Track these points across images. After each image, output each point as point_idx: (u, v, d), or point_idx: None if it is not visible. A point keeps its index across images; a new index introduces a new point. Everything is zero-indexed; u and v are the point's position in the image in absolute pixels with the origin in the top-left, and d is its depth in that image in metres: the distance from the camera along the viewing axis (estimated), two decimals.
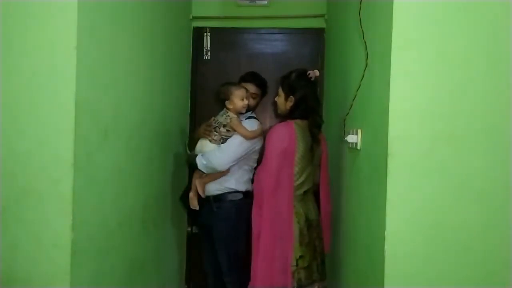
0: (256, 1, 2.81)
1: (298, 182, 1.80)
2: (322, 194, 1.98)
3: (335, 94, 2.20)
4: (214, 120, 2.11)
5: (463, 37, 1.12)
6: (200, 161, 2.07)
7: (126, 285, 1.64)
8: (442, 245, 1.14)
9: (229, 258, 2.18)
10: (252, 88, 2.25)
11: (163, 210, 2.22)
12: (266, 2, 2.81)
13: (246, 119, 2.19)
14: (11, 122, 1.20)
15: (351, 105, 1.61)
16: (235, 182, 2.15)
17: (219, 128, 2.07)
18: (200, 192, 2.14)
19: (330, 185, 2.03)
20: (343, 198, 1.84)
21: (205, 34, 2.85)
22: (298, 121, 1.83)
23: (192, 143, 2.23)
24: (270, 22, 2.84)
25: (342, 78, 1.96)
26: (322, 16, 2.77)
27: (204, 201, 2.18)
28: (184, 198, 2.27)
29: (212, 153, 2.05)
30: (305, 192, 1.84)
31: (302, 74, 1.87)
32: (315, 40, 2.82)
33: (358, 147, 1.49)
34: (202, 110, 2.82)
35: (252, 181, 2.06)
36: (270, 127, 1.88)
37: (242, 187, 2.17)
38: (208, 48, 2.86)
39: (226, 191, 2.16)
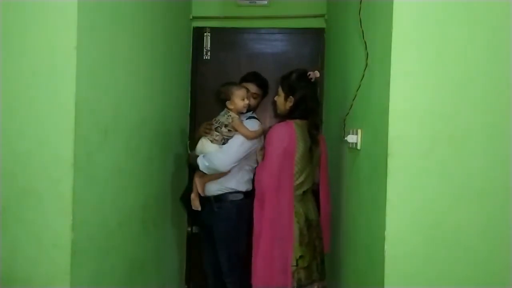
0: (256, 1, 2.81)
1: (297, 182, 1.80)
2: (322, 194, 1.98)
3: (335, 94, 2.20)
4: (215, 120, 2.11)
5: (463, 37, 1.12)
6: (202, 163, 2.06)
7: (126, 285, 1.64)
8: (442, 245, 1.14)
9: (229, 258, 2.18)
10: (253, 88, 2.25)
11: (163, 210, 2.22)
12: (266, 2, 2.81)
13: (246, 119, 2.19)
14: (11, 122, 1.20)
15: (351, 105, 1.61)
16: (236, 182, 2.15)
17: (221, 128, 2.06)
18: (200, 191, 2.14)
19: (329, 185, 2.03)
20: (343, 198, 1.84)
21: (205, 34, 2.85)
22: (298, 121, 1.83)
23: (193, 143, 2.23)
24: (270, 22, 2.84)
25: (342, 78, 1.96)
26: (322, 16, 2.77)
27: (205, 201, 2.18)
28: (185, 199, 2.27)
29: (214, 155, 2.04)
30: (304, 192, 1.84)
31: (303, 75, 1.87)
32: (315, 40, 2.82)
33: (358, 147, 1.49)
34: (202, 110, 2.82)
35: (253, 181, 2.06)
36: (270, 127, 1.88)
37: (243, 187, 2.17)
38: (208, 48, 2.86)
39: (227, 191, 2.16)
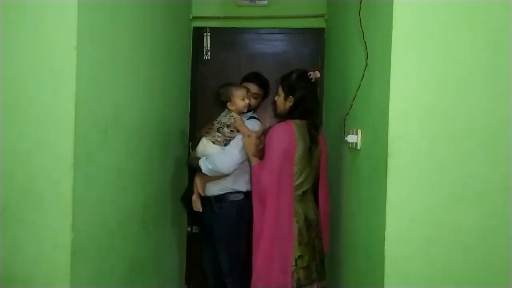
0: (256, 1, 2.81)
1: (297, 182, 1.80)
2: (321, 194, 1.98)
3: (335, 94, 2.20)
4: (216, 121, 2.10)
5: (463, 37, 1.12)
6: (205, 165, 2.04)
7: (126, 285, 1.64)
8: (442, 245, 1.14)
9: (229, 259, 2.18)
10: (254, 88, 2.25)
11: (163, 210, 2.22)
12: (266, 2, 2.81)
13: (247, 119, 2.19)
14: (11, 122, 1.20)
15: (351, 105, 1.61)
16: (237, 183, 2.15)
17: (223, 129, 2.06)
18: (200, 191, 2.14)
19: (329, 184, 2.03)
20: (343, 198, 1.84)
21: (205, 34, 2.85)
22: (298, 121, 1.83)
23: (195, 143, 2.21)
24: (270, 22, 2.84)
25: (342, 78, 1.96)
26: (322, 16, 2.77)
27: (205, 201, 2.18)
28: (185, 199, 2.27)
29: (217, 157, 2.03)
30: (304, 192, 1.83)
31: (303, 75, 1.87)
32: (315, 40, 2.82)
33: (358, 147, 1.49)
34: (202, 110, 2.82)
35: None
36: (270, 127, 1.88)
37: (243, 187, 2.16)
38: (208, 48, 2.86)
39: (227, 191, 2.16)
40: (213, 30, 2.85)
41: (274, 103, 2.01)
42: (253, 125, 2.12)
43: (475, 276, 1.14)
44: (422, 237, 1.14)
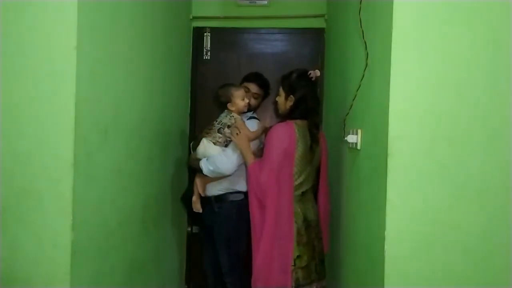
0: (256, 1, 2.81)
1: (297, 183, 1.79)
2: (321, 194, 1.98)
3: (335, 94, 2.20)
4: (217, 121, 2.10)
5: (463, 37, 1.12)
6: (206, 167, 2.04)
7: (126, 285, 1.64)
8: (442, 245, 1.14)
9: (230, 259, 2.18)
10: (254, 88, 2.25)
11: (163, 210, 2.22)
12: (266, 2, 2.81)
13: (247, 119, 2.19)
14: (11, 122, 1.20)
15: (351, 105, 1.61)
16: (237, 183, 2.15)
17: (223, 129, 2.05)
18: (201, 191, 2.14)
19: (329, 184, 2.03)
20: (343, 198, 1.84)
21: (205, 34, 2.85)
22: (298, 121, 1.82)
23: (196, 143, 2.21)
24: (270, 22, 2.84)
25: (342, 78, 1.96)
26: (322, 16, 2.77)
27: (206, 201, 2.18)
28: (185, 199, 2.27)
29: (218, 158, 2.02)
30: (303, 192, 1.83)
31: (303, 74, 1.87)
32: (315, 40, 2.82)
33: (358, 147, 1.49)
34: (202, 110, 2.82)
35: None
36: (271, 127, 1.88)
37: (243, 188, 2.16)
38: (208, 48, 2.86)
39: (227, 191, 2.16)
40: (213, 30, 2.85)
41: (276, 103, 2.01)
42: (253, 125, 2.12)
43: (475, 276, 1.14)
44: (422, 237, 1.14)
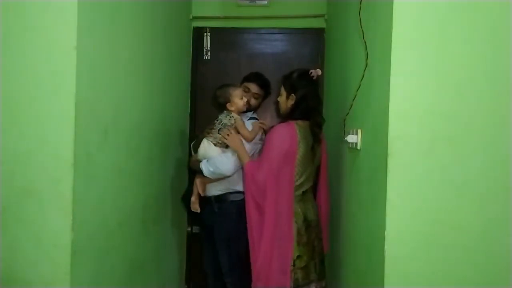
0: (256, 1, 2.81)
1: (298, 183, 1.79)
2: (321, 194, 1.98)
3: (335, 94, 2.20)
4: (217, 121, 2.09)
5: (463, 37, 1.12)
6: (206, 168, 2.03)
7: (126, 285, 1.64)
8: (442, 245, 1.14)
9: (230, 259, 2.18)
10: (254, 88, 2.25)
11: (163, 210, 2.22)
12: (266, 2, 2.81)
13: (247, 119, 2.19)
14: (11, 122, 1.20)
15: (351, 105, 1.61)
16: (237, 183, 2.14)
17: (228, 129, 2.05)
18: (201, 192, 2.13)
19: (329, 184, 2.03)
20: (343, 198, 1.83)
21: (205, 34, 2.85)
22: (299, 121, 1.82)
23: (197, 143, 2.20)
24: (270, 22, 2.84)
25: (342, 78, 1.96)
26: (322, 16, 2.77)
27: (206, 201, 2.18)
28: (186, 199, 2.26)
29: (218, 159, 2.01)
30: (304, 192, 1.83)
31: (304, 74, 1.87)
32: (315, 40, 2.82)
33: (358, 147, 1.49)
34: (202, 110, 2.82)
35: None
36: (271, 127, 1.88)
37: (243, 188, 2.16)
38: (208, 48, 2.86)
39: (227, 191, 2.15)
40: (213, 30, 2.85)
41: (277, 103, 2.01)
42: (249, 126, 2.12)
43: (475, 276, 1.14)
44: (422, 237, 1.14)
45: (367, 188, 1.39)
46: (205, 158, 2.06)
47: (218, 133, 2.05)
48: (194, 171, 2.18)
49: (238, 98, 2.06)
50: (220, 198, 2.16)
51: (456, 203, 1.13)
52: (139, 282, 1.81)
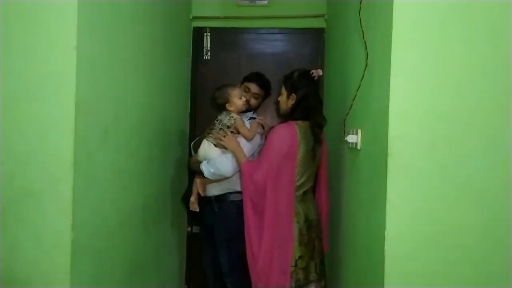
0: (256, 1, 2.81)
1: (299, 183, 1.79)
2: (321, 194, 1.98)
3: (335, 94, 2.20)
4: (217, 120, 2.09)
5: (463, 37, 1.12)
6: (207, 170, 2.03)
7: (126, 285, 1.64)
8: (442, 245, 1.14)
9: (230, 259, 2.18)
10: (254, 88, 2.25)
11: (163, 210, 2.22)
12: (266, 2, 2.81)
13: (247, 119, 2.18)
14: (11, 122, 1.20)
15: (351, 105, 1.61)
16: (237, 183, 2.14)
17: (223, 130, 2.05)
18: (201, 192, 2.13)
19: (329, 184, 2.03)
20: (343, 198, 1.83)
21: (205, 34, 2.85)
22: (300, 122, 1.82)
23: (197, 144, 2.20)
24: (270, 22, 2.84)
25: (342, 78, 1.96)
26: (322, 16, 2.77)
27: (206, 201, 2.18)
28: (186, 199, 2.26)
29: (219, 161, 2.01)
30: (304, 192, 1.83)
31: (305, 73, 1.87)
32: (315, 40, 2.82)
33: (358, 147, 1.49)
34: (202, 110, 2.82)
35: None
36: (272, 127, 1.87)
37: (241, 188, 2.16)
38: (208, 48, 2.86)
39: (227, 191, 2.15)
40: (213, 30, 2.85)
41: (277, 103, 2.01)
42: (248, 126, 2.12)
43: (475, 276, 1.14)
44: (422, 237, 1.14)
45: (367, 188, 1.39)
46: (205, 159, 2.06)
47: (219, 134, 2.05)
48: (194, 171, 2.18)
49: (237, 98, 2.06)
50: (220, 198, 2.16)
51: (456, 203, 1.13)
52: (139, 282, 1.81)
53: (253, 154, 2.09)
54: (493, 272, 1.14)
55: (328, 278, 1.98)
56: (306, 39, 2.84)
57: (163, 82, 2.15)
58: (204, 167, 2.04)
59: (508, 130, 1.12)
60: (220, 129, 2.04)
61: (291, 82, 1.87)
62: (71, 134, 1.18)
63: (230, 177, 2.07)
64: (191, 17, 2.78)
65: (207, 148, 2.06)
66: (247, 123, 2.13)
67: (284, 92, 1.91)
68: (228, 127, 2.04)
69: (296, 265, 1.75)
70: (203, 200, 2.18)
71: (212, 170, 2.01)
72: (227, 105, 2.07)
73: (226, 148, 2.03)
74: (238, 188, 2.15)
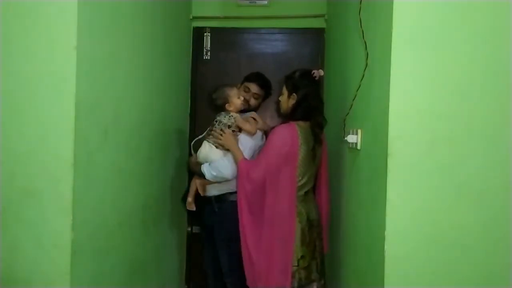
0: (256, 1, 2.81)
1: (300, 183, 1.79)
2: (322, 194, 1.98)
3: (335, 94, 2.20)
4: (216, 121, 2.08)
5: (463, 37, 1.12)
6: (208, 172, 2.01)
7: (126, 285, 1.64)
8: (442, 245, 1.14)
9: (230, 259, 2.18)
10: (254, 88, 2.25)
11: (163, 210, 2.22)
12: (266, 2, 2.81)
13: None
14: (11, 122, 1.20)
15: (351, 105, 1.61)
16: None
17: (222, 129, 2.04)
18: (201, 192, 2.13)
19: (329, 184, 2.03)
20: (343, 198, 1.83)
21: (205, 34, 2.85)
22: (301, 122, 1.81)
23: (198, 144, 2.18)
24: (270, 22, 2.84)
25: (342, 78, 1.96)
26: (322, 16, 2.77)
27: (206, 201, 2.18)
28: (186, 199, 2.26)
29: (221, 163, 1.99)
30: (306, 192, 1.83)
31: (306, 73, 1.87)
32: (315, 40, 2.82)
33: (358, 147, 1.49)
34: (202, 110, 2.82)
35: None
36: (272, 128, 1.87)
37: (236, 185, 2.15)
38: (208, 48, 2.86)
39: (227, 191, 2.15)
40: (213, 30, 2.85)
41: (278, 103, 2.01)
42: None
43: (475, 276, 1.14)
44: (422, 237, 1.14)
45: (367, 188, 1.39)
46: (206, 161, 2.05)
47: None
48: (192, 172, 2.17)
49: (235, 98, 2.06)
50: (220, 198, 2.16)
51: (456, 203, 1.13)
52: (139, 282, 1.81)
53: (253, 155, 2.08)
54: (493, 272, 1.14)
55: (328, 278, 1.98)
56: (306, 39, 2.84)
57: (163, 82, 2.15)
58: (205, 169, 2.03)
59: (508, 130, 1.12)
60: (221, 129, 2.04)
61: (292, 82, 1.87)
62: (71, 134, 1.18)
63: (232, 179, 2.07)
64: (191, 17, 2.78)
65: (208, 150, 2.05)
66: None
67: (285, 91, 1.91)
68: (229, 126, 2.04)
69: (298, 265, 1.75)
70: (203, 200, 2.17)
71: (214, 173, 2.00)
72: (226, 105, 2.07)
73: (225, 148, 2.03)
74: None
